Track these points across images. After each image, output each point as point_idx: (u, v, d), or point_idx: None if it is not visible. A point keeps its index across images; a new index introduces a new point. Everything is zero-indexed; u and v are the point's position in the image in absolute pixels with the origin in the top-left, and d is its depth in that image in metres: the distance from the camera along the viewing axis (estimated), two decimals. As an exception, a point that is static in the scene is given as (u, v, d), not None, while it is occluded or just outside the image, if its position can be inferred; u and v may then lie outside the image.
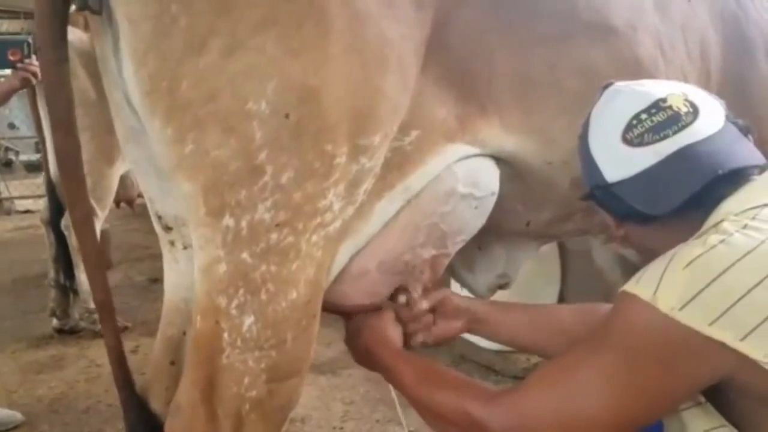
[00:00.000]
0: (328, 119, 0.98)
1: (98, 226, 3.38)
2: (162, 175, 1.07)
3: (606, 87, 1.10)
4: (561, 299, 3.16)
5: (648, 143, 0.98)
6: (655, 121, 0.99)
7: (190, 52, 0.92)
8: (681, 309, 0.83)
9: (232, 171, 0.96)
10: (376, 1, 1.01)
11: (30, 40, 2.35)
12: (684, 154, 0.96)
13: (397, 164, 1.14)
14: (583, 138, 1.08)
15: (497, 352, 3.02)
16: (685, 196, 0.93)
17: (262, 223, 0.98)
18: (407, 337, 1.31)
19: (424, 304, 1.31)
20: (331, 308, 1.23)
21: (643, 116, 1.00)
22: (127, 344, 1.29)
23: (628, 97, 1.04)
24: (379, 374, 1.24)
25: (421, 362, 1.16)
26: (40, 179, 7.38)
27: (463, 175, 1.23)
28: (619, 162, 1.00)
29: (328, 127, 0.98)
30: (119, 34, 0.99)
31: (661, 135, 0.98)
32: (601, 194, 1.04)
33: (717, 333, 0.81)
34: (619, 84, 1.08)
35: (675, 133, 0.97)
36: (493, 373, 3.03)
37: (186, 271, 1.21)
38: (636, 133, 0.99)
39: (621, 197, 1.00)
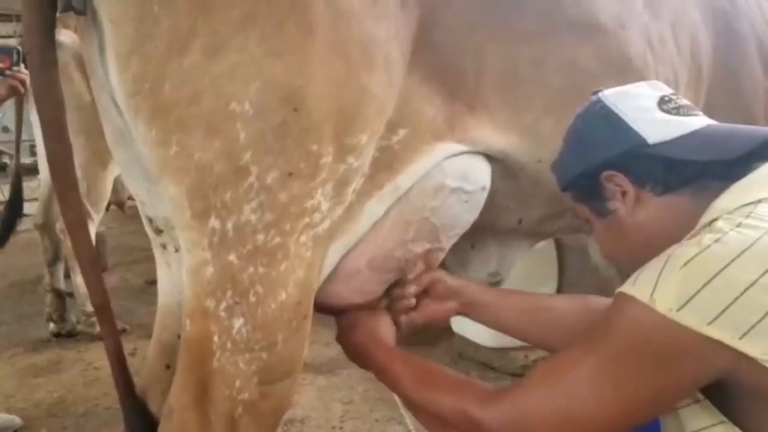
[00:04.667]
0: (313, 119, 0.97)
1: (93, 229, 3.38)
2: (150, 177, 1.07)
3: (595, 93, 1.11)
4: (558, 295, 3.15)
5: (686, 115, 1.03)
6: (683, 103, 1.05)
7: (173, 53, 0.92)
8: (679, 310, 0.83)
9: (216, 173, 0.95)
10: None
11: (20, 47, 2.32)
12: (725, 125, 1.03)
13: (386, 163, 1.14)
14: (599, 112, 1.07)
15: (496, 350, 3.02)
16: (749, 147, 0.96)
17: (248, 224, 0.98)
18: (397, 316, 1.30)
19: (414, 287, 1.30)
20: (324, 308, 1.22)
21: (672, 96, 1.06)
22: (125, 347, 1.28)
23: (647, 84, 1.09)
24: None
25: (416, 361, 1.15)
26: (35, 183, 7.34)
27: (452, 170, 1.23)
28: (662, 125, 1.02)
29: (313, 126, 0.97)
30: (104, 36, 0.98)
31: (695, 112, 1.05)
32: (628, 159, 1.03)
33: (715, 332, 0.81)
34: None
35: (702, 115, 1.05)
36: (491, 371, 3.02)
37: (178, 274, 1.21)
38: (672, 106, 1.04)
39: (664, 156, 1.00)
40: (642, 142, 1.01)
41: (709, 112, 1.08)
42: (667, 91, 1.07)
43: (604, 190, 1.06)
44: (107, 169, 3.38)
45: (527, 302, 1.32)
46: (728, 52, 1.71)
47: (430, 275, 1.30)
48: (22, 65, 2.27)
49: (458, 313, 1.34)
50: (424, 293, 1.32)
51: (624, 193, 1.04)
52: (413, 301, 1.31)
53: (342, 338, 1.31)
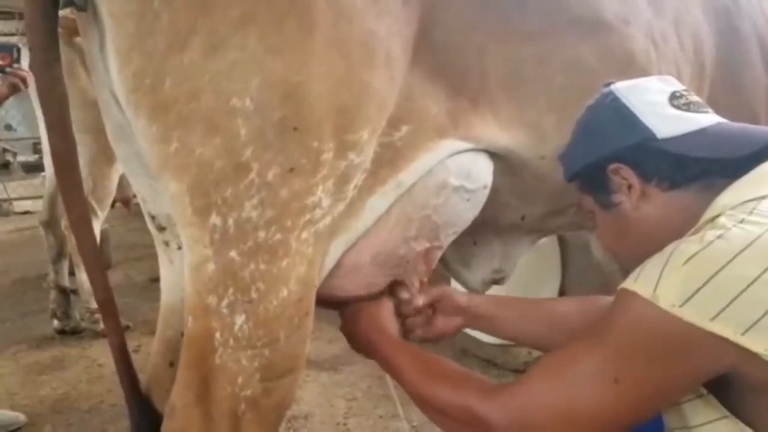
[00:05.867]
0: (314, 115, 0.97)
1: (99, 226, 3.39)
2: (151, 174, 1.07)
3: (607, 85, 1.11)
4: (562, 293, 3.15)
5: (696, 111, 1.03)
6: (694, 99, 1.05)
7: (173, 49, 0.92)
8: (681, 306, 0.83)
9: (217, 169, 0.95)
10: None
11: (20, 45, 2.31)
12: (735, 124, 1.03)
13: (389, 160, 1.13)
14: (609, 104, 1.08)
15: (498, 346, 3.02)
16: (757, 146, 0.96)
17: (249, 221, 0.98)
18: (406, 333, 1.31)
19: (423, 300, 1.30)
20: (328, 302, 1.22)
21: (684, 92, 1.06)
22: (129, 344, 1.29)
23: (659, 79, 1.10)
24: (381, 369, 1.23)
25: (420, 353, 1.15)
26: (38, 180, 7.38)
27: (455, 168, 1.22)
28: (672, 121, 1.02)
29: (313, 123, 0.97)
30: (104, 32, 0.98)
31: (705, 109, 1.05)
32: (636, 153, 1.03)
33: (718, 328, 0.81)
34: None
35: (713, 112, 1.05)
36: (494, 367, 3.03)
37: (181, 272, 1.20)
38: (683, 102, 1.04)
39: (672, 151, 1.00)
40: (651, 137, 1.02)
41: (711, 108, 1.08)
42: (678, 86, 1.07)
43: (610, 182, 1.07)
44: (113, 167, 3.38)
45: (532, 310, 1.32)
46: (730, 49, 1.71)
47: (438, 291, 1.31)
48: (23, 62, 2.27)
49: (465, 327, 1.35)
50: (429, 307, 1.33)
51: (630, 187, 1.05)
52: (428, 315, 1.32)
53: (346, 328, 1.32)
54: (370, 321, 1.25)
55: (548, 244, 3.02)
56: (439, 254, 1.33)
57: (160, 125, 0.95)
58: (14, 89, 2.35)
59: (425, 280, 1.33)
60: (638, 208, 1.05)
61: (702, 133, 1.01)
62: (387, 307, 1.28)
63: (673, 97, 1.04)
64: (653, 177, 1.02)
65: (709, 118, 1.03)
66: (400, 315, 1.30)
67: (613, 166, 1.05)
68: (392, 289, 1.30)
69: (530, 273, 2.87)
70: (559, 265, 3.16)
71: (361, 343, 1.27)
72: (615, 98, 1.07)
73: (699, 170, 0.99)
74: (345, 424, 2.59)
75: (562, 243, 3.13)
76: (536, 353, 2.94)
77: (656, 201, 1.03)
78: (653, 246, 0.93)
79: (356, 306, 1.28)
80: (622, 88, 1.08)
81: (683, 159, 0.99)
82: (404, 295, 1.30)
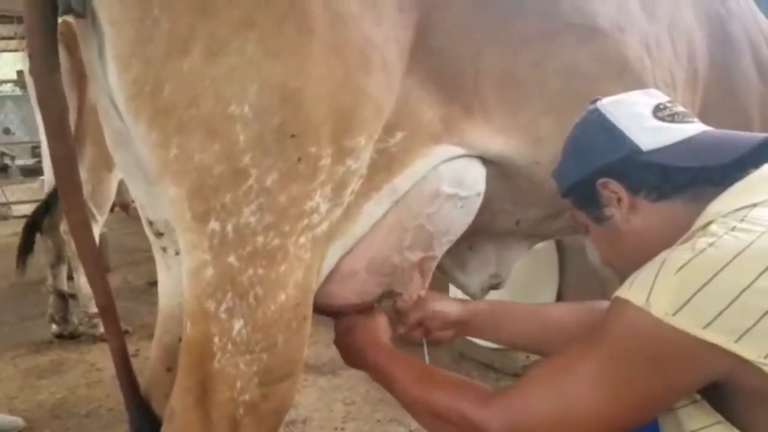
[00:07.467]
0: (312, 121, 0.97)
1: (97, 230, 3.39)
2: (150, 179, 1.07)
3: (593, 101, 1.12)
4: (559, 296, 3.15)
5: (681, 122, 1.04)
6: (678, 110, 1.06)
7: (173, 55, 0.92)
8: (674, 314, 0.83)
9: (216, 175, 0.96)
10: (358, 2, 1.01)
11: None
12: (720, 131, 1.04)
13: (384, 165, 1.14)
14: (595, 120, 1.09)
15: (496, 350, 3.02)
16: (741, 152, 0.97)
17: (248, 226, 0.98)
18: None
19: (413, 317, 1.32)
20: (322, 309, 1.22)
21: (668, 104, 1.07)
22: (127, 348, 1.29)
23: (643, 93, 1.11)
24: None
25: (415, 363, 1.16)
26: (36, 184, 7.38)
27: (448, 176, 1.23)
28: (656, 133, 1.03)
29: (311, 128, 0.98)
30: (103, 38, 0.98)
31: (690, 119, 1.06)
32: (623, 167, 1.04)
33: (711, 336, 0.81)
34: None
35: (698, 122, 1.05)
36: (492, 371, 3.03)
37: (179, 277, 1.20)
38: (666, 114, 1.05)
39: (657, 163, 1.01)
40: (636, 150, 1.03)
41: (705, 113, 1.09)
42: (663, 98, 1.08)
43: (600, 196, 1.08)
44: (112, 172, 3.38)
45: (526, 314, 1.33)
46: (723, 54, 1.73)
47: (427, 309, 1.33)
48: None
49: (457, 336, 1.37)
50: (419, 325, 1.35)
51: (619, 200, 1.06)
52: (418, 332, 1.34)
53: (340, 341, 1.32)
54: (364, 334, 1.26)
55: (546, 248, 3.02)
56: (433, 264, 1.33)
57: (160, 131, 0.96)
58: None
59: (422, 293, 1.34)
60: (629, 220, 1.06)
61: (686, 142, 1.02)
62: (381, 321, 1.29)
63: (657, 110, 1.05)
64: (641, 189, 1.04)
65: (694, 128, 1.04)
66: (394, 326, 1.32)
67: (601, 180, 1.06)
68: (384, 298, 1.31)
69: (528, 277, 2.88)
70: (556, 269, 3.17)
71: (355, 356, 1.28)
72: (600, 114, 1.09)
73: (685, 179, 1.00)
74: (343, 429, 2.59)
75: (560, 247, 3.13)
76: (534, 357, 2.94)
77: (646, 212, 1.04)
78: (646, 256, 0.94)
79: (350, 320, 1.29)
80: (606, 103, 1.10)
81: (668, 169, 1.01)
82: (402, 305, 1.31)
